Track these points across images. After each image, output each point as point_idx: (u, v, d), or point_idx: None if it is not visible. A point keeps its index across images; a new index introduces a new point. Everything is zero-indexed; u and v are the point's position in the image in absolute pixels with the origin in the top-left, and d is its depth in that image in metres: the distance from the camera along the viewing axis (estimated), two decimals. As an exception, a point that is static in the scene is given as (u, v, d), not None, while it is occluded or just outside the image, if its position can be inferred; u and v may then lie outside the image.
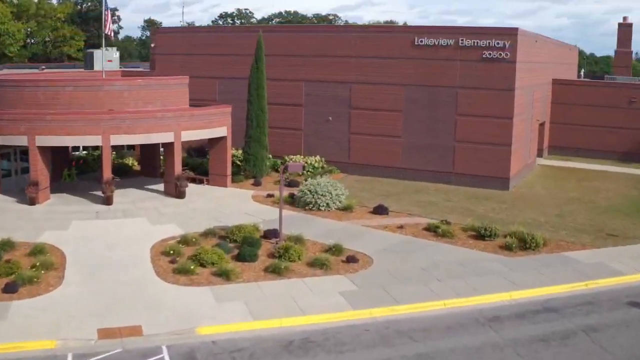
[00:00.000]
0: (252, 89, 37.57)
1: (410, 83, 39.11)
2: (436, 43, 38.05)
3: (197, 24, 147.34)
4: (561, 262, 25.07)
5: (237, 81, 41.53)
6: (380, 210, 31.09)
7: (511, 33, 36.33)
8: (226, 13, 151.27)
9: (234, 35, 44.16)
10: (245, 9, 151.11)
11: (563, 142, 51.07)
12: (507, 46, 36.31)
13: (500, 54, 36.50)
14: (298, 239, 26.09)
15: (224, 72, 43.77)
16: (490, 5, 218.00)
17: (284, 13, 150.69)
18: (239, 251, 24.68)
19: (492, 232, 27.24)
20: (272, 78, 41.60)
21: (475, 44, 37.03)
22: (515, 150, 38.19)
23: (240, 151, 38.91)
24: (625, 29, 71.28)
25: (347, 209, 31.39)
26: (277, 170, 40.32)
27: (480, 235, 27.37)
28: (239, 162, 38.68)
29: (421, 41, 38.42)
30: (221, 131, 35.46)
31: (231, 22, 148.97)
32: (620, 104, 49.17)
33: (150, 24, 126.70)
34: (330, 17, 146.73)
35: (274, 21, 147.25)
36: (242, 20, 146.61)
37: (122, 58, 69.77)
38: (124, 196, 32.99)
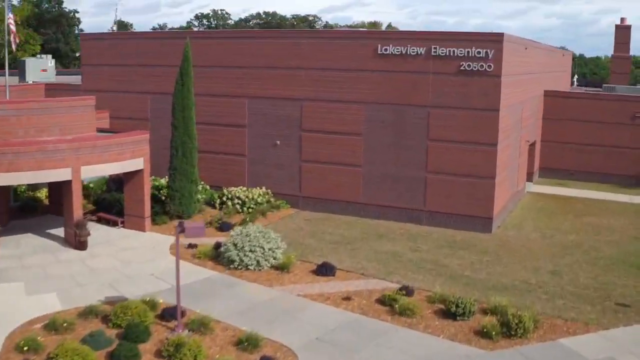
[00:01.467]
0: (176, 110, 30.64)
1: (373, 101, 32.31)
2: (404, 52, 31.24)
3: (176, 26, 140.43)
4: (558, 357, 18.29)
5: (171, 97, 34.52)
6: (325, 269, 24.21)
7: (495, 40, 29.56)
8: (202, 14, 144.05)
9: (168, 43, 37.06)
10: (221, 10, 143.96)
11: (556, 163, 44.43)
12: (490, 56, 29.55)
13: (482, 66, 29.73)
14: (203, 324, 19.23)
15: (157, 86, 36.84)
16: (480, 6, 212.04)
17: (262, 14, 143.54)
18: (113, 350, 17.75)
19: (466, 308, 20.43)
20: (210, 94, 35.01)
21: (452, 53, 30.24)
22: (500, 182, 31.43)
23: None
24: (622, 32, 64.99)
25: (283, 267, 24.50)
26: (213, 206, 33.45)
27: (451, 312, 20.55)
28: (164, 197, 31.75)
29: (385, 50, 31.60)
30: (136, 164, 28.58)
31: (207, 23, 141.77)
32: (622, 120, 42.56)
33: (121, 26, 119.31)
34: (310, 18, 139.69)
35: (251, 23, 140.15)
36: (219, 23, 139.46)
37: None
38: (14, 246, 26.29)
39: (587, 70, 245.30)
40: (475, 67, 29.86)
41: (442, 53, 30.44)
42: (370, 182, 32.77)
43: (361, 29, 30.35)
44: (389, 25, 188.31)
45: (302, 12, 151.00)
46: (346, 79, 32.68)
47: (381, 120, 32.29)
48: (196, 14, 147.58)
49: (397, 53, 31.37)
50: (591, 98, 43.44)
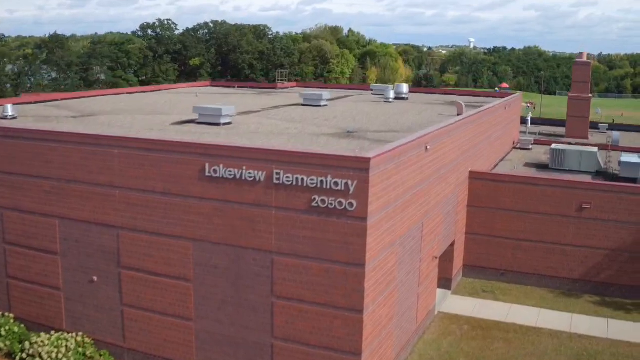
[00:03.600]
0: None
1: (204, 238, 23.62)
2: (238, 176, 22.47)
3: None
4: None
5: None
6: None
7: (357, 167, 20.82)
8: (147, 24, 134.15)
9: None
10: (168, 20, 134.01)
11: (485, 260, 35.96)
12: (351, 190, 20.88)
13: (341, 203, 21.06)
14: None
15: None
16: None
17: (210, 24, 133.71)
18: None
19: None
20: (16, 208, 26.44)
21: (300, 182, 21.52)
22: (373, 353, 22.83)
23: None
24: (582, 69, 56.49)
25: None
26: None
27: None
28: None
29: (215, 171, 22.84)
30: None
31: (152, 34, 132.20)
32: (566, 211, 34.07)
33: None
34: (262, 28, 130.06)
35: (199, 33, 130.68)
36: (165, 33, 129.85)
37: None
38: None
39: (559, 73, 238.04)
40: (331, 204, 21.16)
41: (287, 181, 21.71)
42: (206, 343, 24.14)
43: (186, 140, 21.22)
44: (350, 31, 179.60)
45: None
46: (170, 206, 23.97)
47: (214, 264, 23.61)
48: (142, 24, 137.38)
49: (230, 177, 22.60)
50: (528, 183, 34.80)
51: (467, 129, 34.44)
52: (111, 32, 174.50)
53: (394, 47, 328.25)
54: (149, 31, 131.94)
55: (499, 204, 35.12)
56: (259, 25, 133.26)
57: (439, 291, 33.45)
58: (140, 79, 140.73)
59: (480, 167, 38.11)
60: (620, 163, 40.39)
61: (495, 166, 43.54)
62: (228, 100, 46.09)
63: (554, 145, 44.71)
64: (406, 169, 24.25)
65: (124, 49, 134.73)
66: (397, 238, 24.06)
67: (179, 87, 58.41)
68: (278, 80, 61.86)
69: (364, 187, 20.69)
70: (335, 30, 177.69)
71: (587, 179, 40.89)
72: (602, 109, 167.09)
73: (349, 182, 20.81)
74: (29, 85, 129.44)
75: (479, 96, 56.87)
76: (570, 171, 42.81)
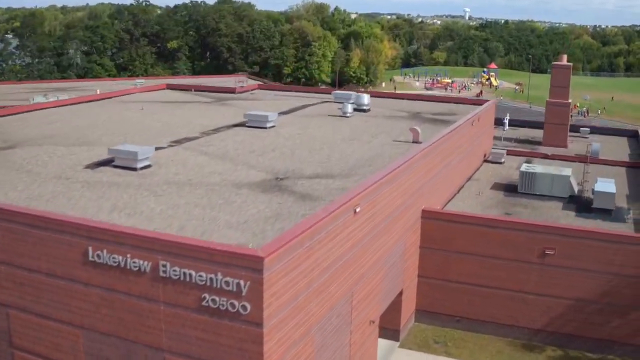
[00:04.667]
0: None
1: (92, 327, 20.51)
2: (122, 264, 19.23)
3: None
4: None
5: None
6: None
7: (249, 266, 17.53)
8: (124, 6, 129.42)
9: None
10: (145, 1, 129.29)
11: (439, 306, 32.95)
12: (243, 291, 17.64)
13: (233, 305, 17.86)
14: None
15: None
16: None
17: (189, 3, 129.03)
18: None
19: None
20: None
21: (188, 277, 18.30)
22: None
23: None
24: (561, 73, 52.99)
25: None
26: None
27: None
28: None
29: (98, 256, 19.57)
30: None
31: (130, 16, 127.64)
32: (528, 257, 30.96)
33: None
34: (242, 8, 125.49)
35: (178, 15, 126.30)
36: (141, 16, 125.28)
37: None
38: None
39: (551, 48, 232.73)
40: (223, 305, 17.96)
41: (174, 275, 18.48)
42: None
43: (67, 219, 17.61)
44: (336, 9, 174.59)
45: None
46: (56, 289, 20.85)
47: (106, 356, 20.51)
48: (119, 7, 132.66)
49: (115, 264, 19.35)
50: (485, 225, 31.53)
51: (420, 164, 31.08)
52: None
53: (386, 19, 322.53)
54: (126, 13, 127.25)
55: (454, 247, 31.95)
56: (241, 4, 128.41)
57: (386, 343, 30.64)
58: (116, 62, 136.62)
59: (438, 198, 34.92)
60: (593, 192, 37.12)
61: (460, 189, 40.29)
62: (173, 116, 42.60)
63: (524, 167, 41.32)
64: (325, 245, 20.98)
65: (99, 32, 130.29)
66: (314, 326, 20.89)
67: (133, 92, 54.69)
68: (237, 84, 58.10)
69: (257, 288, 17.47)
70: (320, 8, 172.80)
71: (558, 206, 37.88)
72: (593, 90, 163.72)
73: (241, 283, 17.58)
74: (0, 72, 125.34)
75: (449, 102, 53.31)
76: (541, 196, 39.59)
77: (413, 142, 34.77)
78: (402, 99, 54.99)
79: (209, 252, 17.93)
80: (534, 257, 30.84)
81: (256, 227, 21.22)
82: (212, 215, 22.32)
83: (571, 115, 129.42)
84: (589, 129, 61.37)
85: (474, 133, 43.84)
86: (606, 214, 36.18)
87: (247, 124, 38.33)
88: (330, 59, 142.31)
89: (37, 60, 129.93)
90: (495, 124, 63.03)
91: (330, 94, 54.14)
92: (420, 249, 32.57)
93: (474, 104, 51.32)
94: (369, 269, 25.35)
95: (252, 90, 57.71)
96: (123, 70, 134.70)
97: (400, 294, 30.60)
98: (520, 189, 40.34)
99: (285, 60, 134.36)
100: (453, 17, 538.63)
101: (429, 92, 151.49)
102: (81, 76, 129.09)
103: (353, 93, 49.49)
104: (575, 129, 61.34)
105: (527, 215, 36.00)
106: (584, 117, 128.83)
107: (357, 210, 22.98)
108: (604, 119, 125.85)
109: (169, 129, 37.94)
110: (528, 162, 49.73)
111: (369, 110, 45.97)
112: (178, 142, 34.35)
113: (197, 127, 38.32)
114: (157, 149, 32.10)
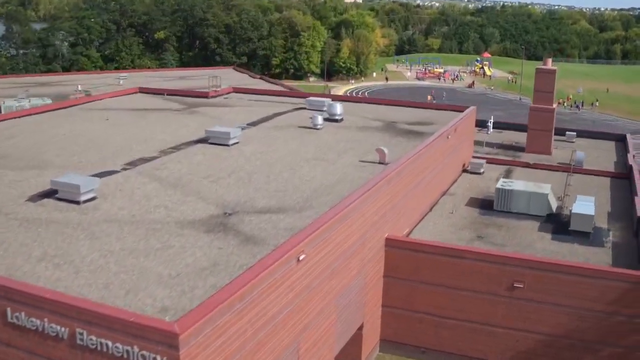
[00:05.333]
0: None
1: (12, 391, 19.05)
2: (41, 328, 17.81)
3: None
4: None
5: None
6: None
7: (165, 342, 16.05)
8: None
9: None
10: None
11: (404, 337, 31.64)
12: (162, 365, 16.23)
13: (153, 379, 16.42)
14: None
15: None
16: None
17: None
18: None
19: None
20: None
21: (105, 348, 16.86)
22: None
23: None
24: (545, 77, 51.37)
25: None
26: None
27: None
28: None
29: (17, 318, 18.14)
30: None
31: (117, 6, 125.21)
32: (496, 290, 29.55)
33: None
34: None
35: (165, 4, 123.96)
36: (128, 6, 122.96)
37: None
38: None
39: (548, 34, 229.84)
40: (142, 380, 16.54)
41: (91, 344, 17.05)
42: None
43: None
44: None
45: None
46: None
47: None
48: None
49: (33, 327, 17.91)
50: (452, 255, 30.04)
51: (384, 191, 29.55)
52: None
53: (384, 2, 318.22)
54: (112, 3, 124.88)
55: (420, 277, 30.55)
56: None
57: (348, 378, 29.22)
58: (103, 53, 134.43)
59: (406, 221, 33.48)
60: (571, 214, 35.60)
61: (433, 206, 38.80)
62: (136, 128, 40.87)
63: (501, 183, 39.77)
64: (261, 302, 19.51)
65: (85, 23, 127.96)
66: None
67: (103, 98, 52.92)
68: (211, 88, 56.35)
69: (178, 365, 16.02)
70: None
71: (535, 226, 36.44)
72: (589, 79, 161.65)
73: (157, 359, 16.13)
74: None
75: (428, 109, 51.65)
76: (518, 214, 38.13)
77: (379, 163, 33.21)
78: (380, 104, 53.26)
79: (122, 323, 16.48)
80: (503, 290, 29.44)
81: (188, 282, 19.73)
82: (145, 266, 20.82)
83: (564, 106, 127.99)
84: (575, 133, 59.70)
85: (450, 145, 42.25)
86: (584, 236, 34.72)
87: (208, 141, 36.72)
88: (319, 50, 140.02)
89: (22, 52, 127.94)
90: (479, 126, 61.56)
91: (306, 98, 52.38)
92: (385, 278, 31.15)
93: (454, 111, 49.63)
94: (317, 315, 23.92)
95: (226, 94, 55.92)
96: (110, 61, 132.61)
97: (361, 327, 29.22)
98: (497, 207, 38.84)
99: (273, 51, 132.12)
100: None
101: (420, 83, 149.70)
102: (67, 68, 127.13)
103: (326, 100, 47.78)
104: (561, 132, 59.72)
105: (501, 238, 34.59)
106: (579, 109, 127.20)
107: (301, 258, 21.48)
108: (596, 112, 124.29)
109: (128, 145, 36.34)
110: (509, 171, 48.32)
111: (341, 120, 44.31)
112: (133, 164, 32.74)
113: (157, 144, 36.69)
114: (109, 173, 30.66)
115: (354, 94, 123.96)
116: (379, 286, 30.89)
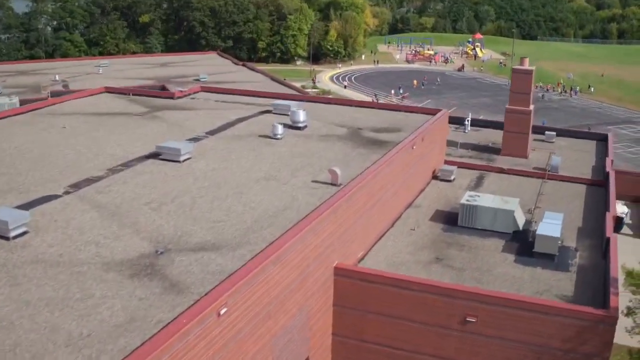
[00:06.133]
0: None
1: None
2: None
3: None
4: None
5: None
6: None
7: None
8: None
9: None
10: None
11: (356, 366, 30.58)
12: None
13: None
14: None
15: None
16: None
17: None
18: None
19: None
20: None
21: None
22: None
23: None
24: (522, 79, 50.04)
25: None
26: None
27: None
28: None
29: None
30: None
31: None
32: (447, 323, 28.51)
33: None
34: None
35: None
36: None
37: None
38: None
39: (543, 12, 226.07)
40: None
41: None
42: None
43: None
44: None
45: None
46: None
47: None
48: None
49: None
50: (401, 287, 28.89)
51: (332, 218, 28.37)
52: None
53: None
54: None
55: (369, 307, 29.48)
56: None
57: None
58: (87, 37, 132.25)
59: (360, 244, 32.35)
60: (535, 235, 34.39)
61: (395, 222, 37.66)
62: (90, 139, 39.43)
63: (466, 198, 38.52)
64: (174, 367, 18.41)
65: (68, 8, 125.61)
66: None
67: (67, 100, 51.43)
68: (176, 88, 54.87)
69: None
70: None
71: (499, 246, 35.29)
72: (583, 61, 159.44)
73: None
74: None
75: (399, 111, 50.18)
76: (483, 231, 37.00)
77: (331, 184, 31.97)
78: (350, 105, 51.81)
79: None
80: (454, 323, 28.38)
81: (97, 345, 18.59)
82: (56, 324, 19.65)
83: (555, 90, 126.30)
84: (554, 133, 58.39)
85: (417, 155, 40.98)
86: (549, 259, 33.57)
87: (159, 157, 35.45)
88: (306, 33, 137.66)
89: (4, 37, 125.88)
90: (457, 124, 60.37)
91: (277, 98, 50.97)
92: (334, 307, 30.09)
93: (426, 114, 48.25)
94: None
95: (194, 93, 54.43)
96: (94, 45, 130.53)
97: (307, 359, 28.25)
98: (461, 223, 37.68)
99: (259, 35, 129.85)
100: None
101: (410, 66, 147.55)
102: (50, 53, 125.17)
103: (291, 104, 46.34)
104: (540, 130, 58.44)
105: (460, 261, 33.47)
106: (571, 96, 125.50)
107: (222, 312, 20.37)
108: (585, 98, 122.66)
109: (77, 161, 35.07)
110: (481, 177, 47.14)
111: (304, 127, 42.94)
112: (77, 185, 31.48)
113: (107, 161, 35.38)
114: (49, 198, 29.48)
115: (340, 78, 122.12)
116: (328, 315, 29.85)
